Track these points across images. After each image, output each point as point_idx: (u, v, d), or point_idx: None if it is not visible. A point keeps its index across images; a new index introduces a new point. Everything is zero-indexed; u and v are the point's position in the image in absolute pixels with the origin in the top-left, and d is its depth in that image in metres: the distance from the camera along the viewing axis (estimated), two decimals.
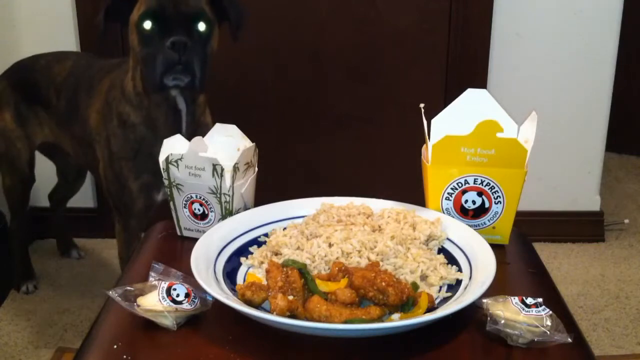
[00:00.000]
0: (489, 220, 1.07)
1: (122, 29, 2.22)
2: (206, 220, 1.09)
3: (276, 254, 1.00)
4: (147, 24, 1.46)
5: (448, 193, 1.07)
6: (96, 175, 1.80)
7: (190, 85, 1.49)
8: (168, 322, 0.85)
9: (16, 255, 2.14)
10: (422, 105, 1.07)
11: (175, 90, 1.55)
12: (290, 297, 0.84)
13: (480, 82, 2.28)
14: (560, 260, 2.37)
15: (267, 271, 0.90)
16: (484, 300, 0.85)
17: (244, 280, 0.96)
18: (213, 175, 1.05)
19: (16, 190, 2.05)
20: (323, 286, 0.88)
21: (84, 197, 2.43)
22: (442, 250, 1.01)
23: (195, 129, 1.59)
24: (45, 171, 2.18)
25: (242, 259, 1.01)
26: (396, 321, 0.82)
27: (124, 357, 0.81)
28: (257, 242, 1.06)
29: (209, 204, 1.08)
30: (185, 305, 0.86)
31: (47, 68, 1.87)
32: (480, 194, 1.06)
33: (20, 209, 2.10)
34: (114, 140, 1.64)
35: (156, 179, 1.61)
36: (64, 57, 1.91)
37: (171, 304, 0.85)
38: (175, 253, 1.11)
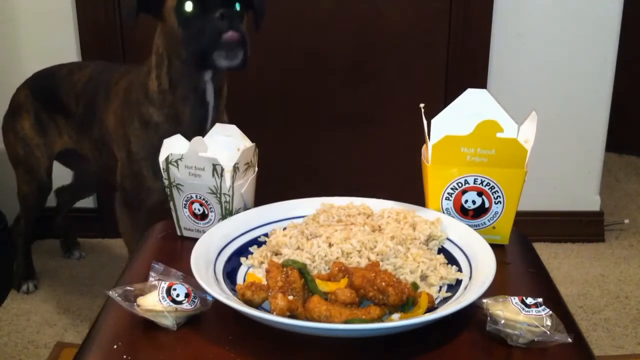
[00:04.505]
0: (489, 220, 1.07)
1: (123, 31, 2.23)
2: (206, 220, 1.09)
3: (276, 254, 1.00)
4: (189, 6, 1.49)
5: (448, 193, 1.07)
6: (111, 177, 1.81)
7: (244, 58, 1.51)
8: (168, 322, 0.85)
9: (19, 255, 2.15)
10: (422, 105, 1.08)
11: (208, 74, 1.58)
12: (290, 297, 0.84)
13: (480, 82, 2.28)
14: (560, 260, 2.37)
15: (267, 271, 0.90)
16: (484, 300, 0.85)
17: (244, 280, 0.96)
18: (213, 175, 1.05)
19: (32, 198, 2.06)
20: (323, 286, 0.88)
21: None
22: (442, 250, 1.01)
23: None
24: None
25: (242, 259, 1.01)
26: (396, 321, 0.82)
27: (124, 357, 0.81)
28: (257, 242, 1.06)
29: (209, 204, 1.08)
30: (185, 305, 0.86)
31: (68, 75, 1.89)
32: (480, 194, 1.06)
33: (32, 215, 2.12)
34: (135, 141, 1.65)
35: None
36: (84, 65, 1.93)
37: (171, 304, 0.85)
38: (175, 253, 1.11)
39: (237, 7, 1.53)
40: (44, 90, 1.93)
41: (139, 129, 1.64)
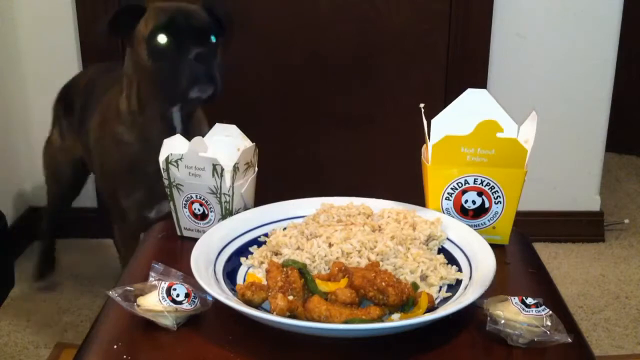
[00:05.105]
0: (489, 220, 1.07)
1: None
2: (206, 220, 1.09)
3: (276, 254, 1.00)
4: (162, 38, 1.45)
5: (448, 193, 1.07)
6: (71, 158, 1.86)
7: (212, 96, 1.48)
8: (168, 322, 0.85)
9: (43, 249, 2.21)
10: (422, 105, 1.08)
11: (177, 106, 1.56)
12: (290, 297, 0.84)
13: (480, 82, 2.28)
14: (560, 260, 2.37)
15: (267, 271, 0.90)
16: (484, 300, 0.85)
17: (244, 280, 0.96)
18: (213, 175, 1.05)
19: (56, 202, 2.11)
20: (323, 286, 0.88)
21: (84, 197, 2.42)
22: (442, 250, 1.01)
23: None
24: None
25: (242, 259, 1.01)
26: (396, 321, 0.82)
27: (124, 357, 0.81)
28: (257, 242, 1.06)
29: (209, 204, 1.08)
30: (185, 305, 0.86)
31: (76, 79, 1.92)
32: (480, 194, 1.06)
33: (55, 217, 2.16)
34: (107, 159, 1.65)
35: (150, 196, 1.62)
36: (89, 69, 1.96)
37: (171, 304, 0.85)
38: (175, 253, 1.11)
39: (213, 39, 1.49)
40: (62, 97, 1.95)
41: (110, 147, 1.63)
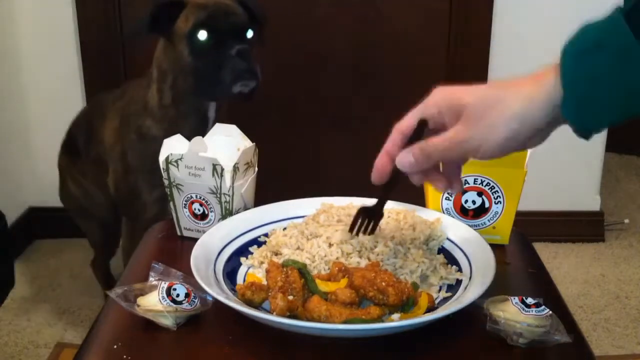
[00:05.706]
0: (489, 220, 1.07)
1: (125, 47, 2.23)
2: (206, 220, 1.09)
3: (276, 254, 1.00)
4: (203, 35, 1.47)
5: (448, 193, 1.07)
6: (103, 190, 1.80)
7: (254, 90, 1.52)
8: (168, 322, 0.85)
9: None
10: None
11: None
12: (290, 297, 0.84)
13: (480, 82, 2.27)
14: (560, 260, 2.37)
15: (267, 271, 0.90)
16: (484, 300, 0.85)
17: (244, 280, 0.96)
18: (213, 175, 1.05)
19: (103, 247, 2.04)
20: (323, 286, 0.88)
21: None
22: (442, 250, 1.01)
23: None
24: (50, 173, 2.19)
25: (242, 259, 1.01)
26: (396, 321, 0.82)
27: (124, 357, 0.81)
28: (257, 242, 1.06)
29: (209, 204, 1.08)
30: (185, 305, 0.86)
31: (72, 125, 1.90)
32: (480, 194, 1.06)
33: (107, 253, 2.08)
34: (131, 154, 1.63)
35: None
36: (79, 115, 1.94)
37: (171, 304, 0.85)
38: (175, 253, 1.11)
39: (250, 34, 1.52)
40: (65, 146, 1.93)
41: (135, 142, 1.62)
